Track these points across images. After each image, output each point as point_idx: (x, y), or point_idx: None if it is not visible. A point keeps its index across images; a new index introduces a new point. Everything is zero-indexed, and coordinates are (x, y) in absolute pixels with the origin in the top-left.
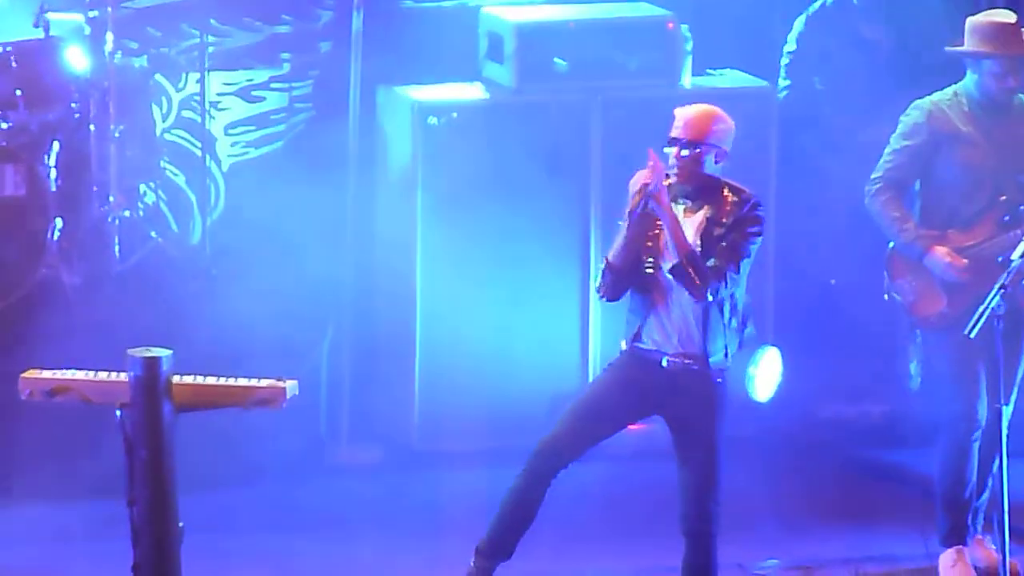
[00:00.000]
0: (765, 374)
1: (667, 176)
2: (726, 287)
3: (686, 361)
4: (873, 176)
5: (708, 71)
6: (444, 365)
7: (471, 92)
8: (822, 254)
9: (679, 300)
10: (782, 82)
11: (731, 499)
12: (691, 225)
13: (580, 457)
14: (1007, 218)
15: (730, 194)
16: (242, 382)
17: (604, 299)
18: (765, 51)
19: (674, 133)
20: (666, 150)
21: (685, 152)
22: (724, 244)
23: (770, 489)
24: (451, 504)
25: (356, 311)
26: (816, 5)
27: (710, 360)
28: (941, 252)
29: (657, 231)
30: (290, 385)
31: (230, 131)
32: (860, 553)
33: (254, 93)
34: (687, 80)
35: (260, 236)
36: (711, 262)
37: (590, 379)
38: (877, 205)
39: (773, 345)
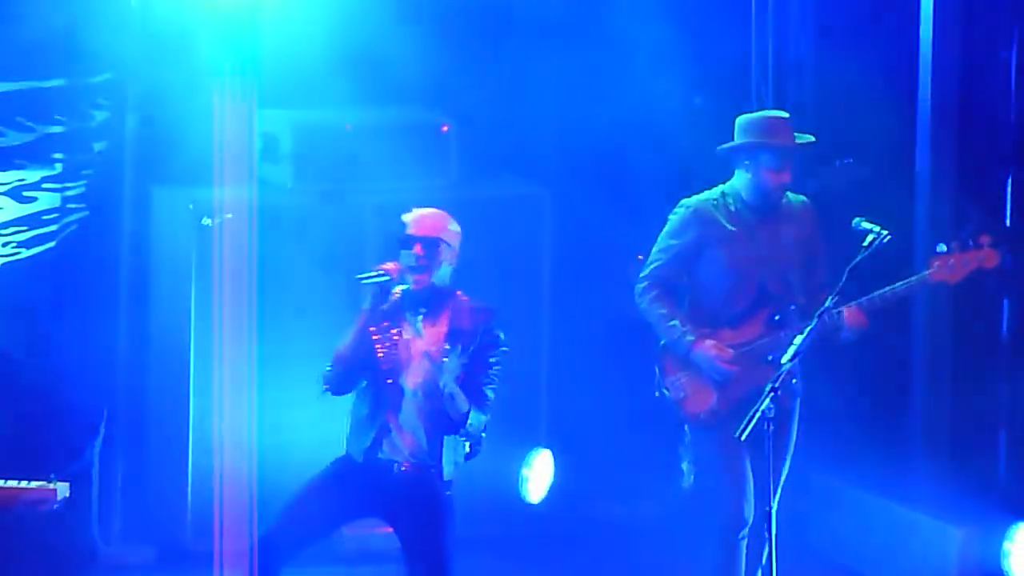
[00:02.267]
0: (537, 476)
1: (403, 284)
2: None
3: (416, 472)
4: (641, 275)
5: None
6: (217, 464)
7: (246, 193)
8: (596, 353)
9: (412, 412)
10: None
11: None
12: (434, 334)
13: (299, 554)
14: (777, 317)
15: (465, 298)
16: (11, 484)
17: (329, 392)
18: (538, 157)
19: (410, 231)
20: (403, 252)
21: (423, 247)
22: (486, 367)
23: None
24: None
25: (129, 409)
26: None
27: (440, 471)
28: (707, 346)
29: (396, 340)
30: (61, 487)
31: (1, 231)
32: None
33: (25, 193)
34: (461, 183)
35: (31, 336)
36: (489, 389)
37: None
38: (645, 303)
39: (546, 447)
